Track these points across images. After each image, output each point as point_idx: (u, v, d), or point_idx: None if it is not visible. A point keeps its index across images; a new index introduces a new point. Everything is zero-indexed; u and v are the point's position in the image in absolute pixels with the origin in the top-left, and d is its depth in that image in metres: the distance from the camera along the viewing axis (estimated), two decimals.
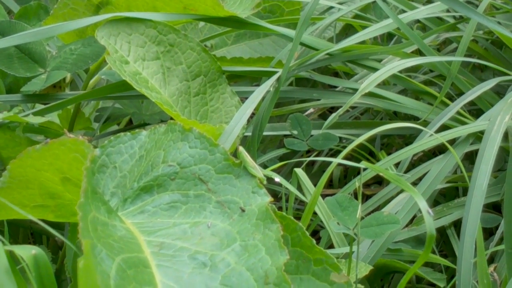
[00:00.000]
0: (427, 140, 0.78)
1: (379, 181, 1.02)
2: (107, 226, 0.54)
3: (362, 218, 0.65)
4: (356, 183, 0.62)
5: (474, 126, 0.79)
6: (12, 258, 0.50)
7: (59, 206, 0.62)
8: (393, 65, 0.80)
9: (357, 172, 0.99)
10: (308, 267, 0.58)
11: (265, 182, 0.58)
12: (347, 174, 1.02)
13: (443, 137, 0.78)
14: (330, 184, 1.03)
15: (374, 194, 0.83)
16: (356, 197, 0.67)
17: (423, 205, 0.52)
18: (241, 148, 0.60)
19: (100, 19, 0.78)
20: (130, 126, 1.00)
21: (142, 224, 0.59)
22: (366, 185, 1.00)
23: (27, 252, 0.49)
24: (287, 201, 0.79)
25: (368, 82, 0.77)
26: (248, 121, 0.86)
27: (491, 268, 0.73)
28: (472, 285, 0.68)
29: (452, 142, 0.82)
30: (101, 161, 0.64)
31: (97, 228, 0.52)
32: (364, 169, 0.73)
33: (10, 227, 0.86)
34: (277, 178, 0.67)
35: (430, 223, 0.50)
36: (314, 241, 0.58)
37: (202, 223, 0.57)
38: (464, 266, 0.65)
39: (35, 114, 0.78)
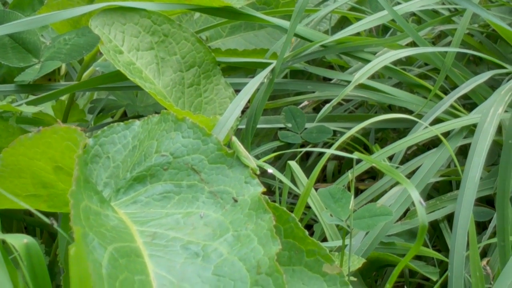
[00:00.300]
0: (421, 133, 0.78)
1: (373, 176, 1.02)
2: (100, 216, 0.54)
3: (355, 210, 0.65)
4: (350, 175, 0.62)
5: (467, 119, 0.79)
6: (4, 248, 0.50)
7: (51, 196, 0.62)
8: (387, 56, 0.80)
9: (351, 166, 0.99)
10: (301, 258, 0.58)
11: (258, 172, 0.58)
12: (341, 168, 1.02)
13: (437, 130, 0.78)
14: (324, 179, 1.03)
15: (367, 188, 0.83)
16: (349, 190, 0.67)
17: (416, 195, 0.52)
18: (234, 138, 0.60)
19: (94, 8, 0.78)
20: (124, 118, 1.00)
21: (135, 214, 0.59)
22: (360, 179, 1.00)
23: (19, 241, 0.49)
24: (280, 195, 0.79)
25: (362, 73, 0.77)
26: (242, 113, 0.85)
27: (484, 262, 0.73)
28: (465, 278, 0.68)
29: (446, 135, 0.82)
30: (94, 151, 0.63)
31: (89, 217, 0.52)
32: (358, 162, 0.73)
33: (3, 220, 0.86)
34: (270, 170, 0.67)
35: (423, 213, 0.50)
36: (307, 232, 0.58)
37: (195, 213, 0.57)
38: (457, 260, 0.65)
39: (28, 103, 0.78)
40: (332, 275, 0.56)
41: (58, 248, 0.78)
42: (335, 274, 0.56)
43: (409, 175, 0.80)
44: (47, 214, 0.74)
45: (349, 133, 0.72)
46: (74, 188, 0.50)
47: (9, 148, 0.58)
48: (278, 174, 0.68)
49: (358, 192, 0.93)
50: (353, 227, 0.62)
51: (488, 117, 0.72)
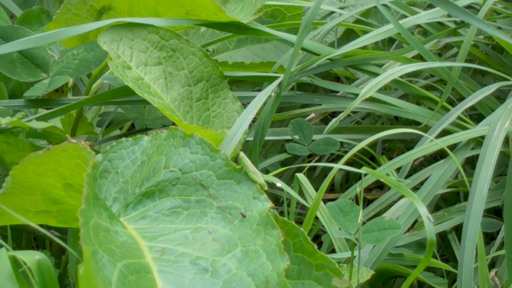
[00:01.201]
0: (428, 145, 0.79)
1: (380, 186, 1.02)
2: (109, 232, 0.54)
3: (364, 223, 0.66)
4: (357, 188, 0.62)
5: (474, 131, 0.80)
6: (15, 263, 0.50)
7: (61, 211, 0.63)
8: (394, 70, 0.80)
9: (358, 176, 1.00)
10: (310, 272, 0.58)
11: (266, 188, 0.58)
12: (349, 178, 1.02)
13: (444, 142, 0.78)
14: (331, 189, 1.03)
15: (375, 199, 0.83)
16: (357, 202, 0.68)
17: (423, 211, 0.52)
18: (242, 154, 0.60)
19: (102, 25, 0.79)
20: (132, 131, 1.01)
21: (144, 229, 0.59)
22: (368, 189, 1.00)
23: (31, 257, 0.50)
24: (288, 205, 0.79)
25: (369, 87, 0.78)
26: (250, 126, 0.86)
27: (492, 273, 0.73)
28: None
29: (453, 147, 0.82)
30: (103, 167, 0.64)
31: (99, 234, 0.52)
32: (365, 175, 0.73)
33: (13, 232, 0.86)
34: (279, 183, 0.67)
35: (431, 228, 0.51)
36: (316, 246, 0.58)
37: (204, 229, 0.58)
38: (465, 271, 0.65)
39: (38, 119, 0.78)
40: None
41: (68, 262, 0.79)
42: None
43: (417, 186, 0.81)
44: (57, 228, 0.74)
45: (356, 148, 0.72)
46: (83, 207, 0.50)
47: (19, 166, 0.59)
48: (287, 188, 0.68)
49: (365, 202, 0.93)
50: (362, 241, 0.63)
51: (495, 131, 0.72)
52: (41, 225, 0.86)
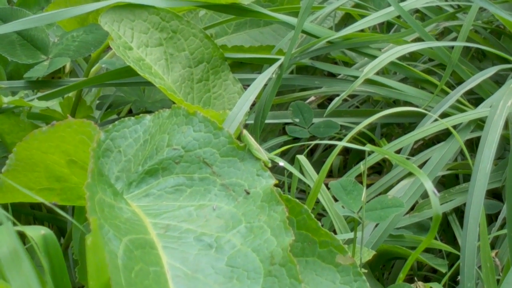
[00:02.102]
0: (429, 126, 0.79)
1: (378, 171, 1.02)
2: (114, 208, 0.54)
3: (367, 202, 0.66)
4: (362, 166, 0.62)
5: (475, 113, 0.80)
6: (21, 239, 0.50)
7: (65, 189, 0.63)
8: (395, 50, 0.81)
9: (356, 161, 1.00)
10: (314, 249, 0.58)
11: (269, 165, 0.59)
12: (347, 164, 1.02)
13: (446, 123, 0.78)
14: (330, 174, 1.03)
15: (374, 183, 0.83)
16: (359, 183, 0.68)
17: (429, 185, 0.52)
18: (245, 131, 0.60)
19: (102, 6, 0.79)
20: (130, 114, 1.00)
21: (148, 207, 0.59)
22: (366, 174, 1.00)
23: (36, 232, 0.50)
24: (289, 190, 0.79)
25: (370, 68, 0.78)
26: (250, 108, 0.86)
27: (493, 254, 0.74)
28: (475, 269, 0.68)
29: (453, 129, 0.82)
30: (105, 146, 0.64)
31: (104, 209, 0.52)
32: (369, 154, 0.73)
33: (12, 214, 0.86)
34: (281, 162, 0.67)
35: (436, 203, 0.51)
36: (320, 224, 0.58)
37: (207, 206, 0.58)
38: (468, 250, 0.66)
39: (39, 99, 0.78)
40: (345, 265, 0.57)
41: (68, 242, 0.79)
42: (348, 265, 0.57)
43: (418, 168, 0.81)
44: (59, 207, 0.74)
45: (359, 126, 0.72)
46: (89, 181, 0.50)
47: (22, 142, 0.58)
48: (289, 167, 0.68)
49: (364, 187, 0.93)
50: (365, 219, 0.63)
51: (498, 109, 0.72)
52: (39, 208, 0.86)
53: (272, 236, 0.53)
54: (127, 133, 0.65)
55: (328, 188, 0.70)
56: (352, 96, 1.02)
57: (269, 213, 0.55)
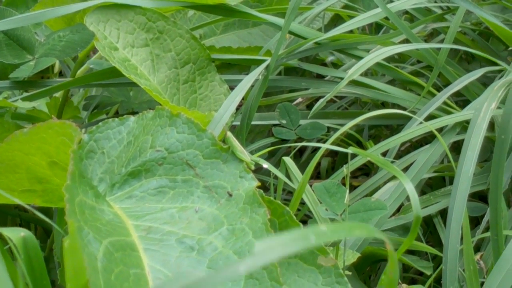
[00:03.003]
0: (415, 129, 0.79)
1: (366, 173, 1.02)
2: (95, 210, 0.54)
3: (350, 205, 0.66)
4: (344, 170, 0.62)
5: (461, 115, 0.80)
6: (1, 241, 0.50)
7: (46, 190, 0.62)
8: (381, 51, 0.80)
9: (344, 163, 1.00)
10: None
11: (253, 167, 0.58)
12: (335, 165, 1.02)
13: (431, 126, 0.78)
14: (318, 176, 1.03)
15: (361, 185, 0.83)
16: (344, 185, 0.68)
17: (410, 187, 0.52)
18: (229, 133, 0.60)
19: (89, 5, 0.78)
20: (118, 115, 1.00)
21: (130, 209, 0.59)
22: (354, 176, 1.00)
23: (16, 234, 0.49)
24: (275, 191, 0.79)
25: (356, 69, 0.78)
26: (237, 110, 0.86)
27: (477, 256, 0.74)
28: (459, 272, 0.68)
29: (439, 131, 0.82)
30: (89, 147, 0.64)
31: (85, 211, 0.52)
32: (352, 158, 0.73)
33: None
34: (265, 164, 0.67)
35: (417, 205, 0.51)
36: (302, 225, 0.58)
37: (190, 208, 0.58)
38: (451, 253, 0.66)
39: (23, 99, 0.78)
40: (327, 267, 0.57)
41: (53, 243, 0.78)
42: (330, 266, 0.57)
43: (403, 171, 0.81)
44: (42, 209, 0.74)
45: (344, 128, 0.72)
46: (69, 183, 0.50)
47: (4, 144, 0.58)
48: (273, 169, 0.68)
49: (351, 188, 0.93)
50: (348, 221, 0.63)
51: (482, 112, 0.72)
52: (25, 209, 0.86)
53: (253, 239, 0.53)
54: (110, 134, 0.65)
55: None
56: (340, 97, 1.02)
57: (251, 216, 0.55)
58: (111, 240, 0.52)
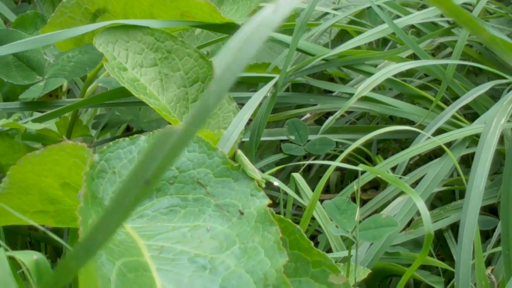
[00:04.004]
0: (424, 143, 0.79)
1: (375, 186, 1.02)
2: None
3: (360, 221, 0.66)
4: (354, 186, 0.62)
5: (470, 129, 0.80)
6: (13, 264, 0.50)
7: (59, 211, 0.63)
8: (389, 69, 0.81)
9: (353, 177, 1.00)
10: (307, 269, 0.58)
11: (263, 185, 0.59)
12: (344, 179, 1.02)
13: (440, 140, 0.78)
14: (327, 190, 1.03)
15: (370, 199, 0.83)
16: (354, 201, 0.68)
17: (421, 205, 0.52)
18: (239, 152, 0.60)
19: (97, 27, 0.79)
20: (127, 133, 1.01)
21: (142, 228, 0.59)
22: (363, 190, 1.00)
23: (29, 257, 0.50)
24: (285, 206, 0.79)
25: (364, 86, 0.78)
26: (246, 126, 0.86)
27: (489, 270, 0.73)
28: (470, 287, 0.68)
29: (448, 145, 0.82)
30: (100, 167, 0.64)
31: None
32: (362, 173, 0.73)
33: (8, 235, 0.86)
34: (276, 182, 0.67)
35: (428, 222, 0.51)
36: (312, 243, 0.58)
37: (201, 227, 0.58)
38: (462, 268, 0.66)
39: (33, 121, 0.78)
40: (338, 285, 0.57)
41: None
42: (341, 285, 0.57)
43: (413, 185, 0.81)
44: (54, 230, 0.74)
45: (353, 146, 0.73)
46: (82, 205, 0.50)
47: (16, 166, 0.58)
48: (284, 187, 0.68)
49: (361, 202, 0.93)
50: (359, 239, 0.63)
51: (491, 127, 0.72)
52: (35, 228, 0.86)
53: (266, 257, 0.54)
54: (121, 153, 0.65)
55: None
56: (348, 112, 1.02)
57: (263, 234, 0.55)
58: (124, 261, 0.52)
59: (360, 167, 0.63)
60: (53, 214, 0.63)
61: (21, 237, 0.89)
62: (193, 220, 0.58)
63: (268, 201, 0.57)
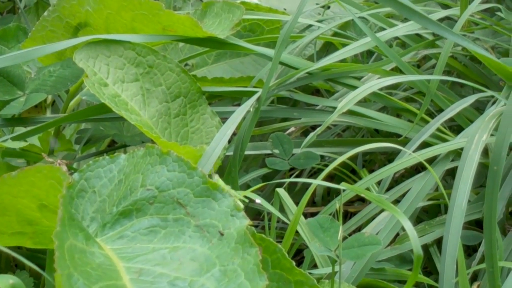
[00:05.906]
0: (408, 158, 0.78)
1: (362, 199, 1.01)
2: (85, 254, 0.54)
3: (345, 238, 0.65)
4: (336, 204, 0.62)
5: (453, 143, 0.80)
6: None
7: (37, 233, 0.62)
8: (372, 84, 0.80)
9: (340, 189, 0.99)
10: None
11: (243, 206, 0.58)
12: (330, 191, 1.02)
13: (423, 155, 0.78)
14: (313, 202, 1.02)
15: (358, 211, 0.83)
16: (338, 217, 0.67)
17: (408, 225, 0.52)
18: (216, 177, 0.60)
19: (78, 42, 0.78)
20: (112, 147, 1.00)
21: (121, 249, 0.58)
22: (350, 202, 0.99)
23: (5, 281, 0.49)
24: (270, 220, 0.78)
25: (347, 101, 0.77)
26: (230, 140, 0.86)
27: (474, 286, 0.73)
28: None
29: (433, 159, 0.82)
30: (80, 186, 0.63)
31: (74, 256, 0.51)
32: (344, 190, 0.73)
33: None
34: (258, 200, 0.67)
35: (416, 243, 0.50)
36: (294, 263, 0.58)
37: (181, 248, 0.57)
38: (446, 286, 0.65)
39: (15, 138, 0.77)
40: None
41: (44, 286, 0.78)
42: None
43: (399, 199, 0.80)
44: (36, 249, 0.73)
45: (337, 161, 0.72)
46: (58, 229, 0.50)
47: None
48: (266, 204, 0.68)
49: (348, 215, 0.93)
50: (342, 257, 0.62)
51: (473, 144, 0.72)
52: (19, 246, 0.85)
53: (246, 280, 0.53)
54: (101, 172, 0.64)
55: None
56: (334, 124, 1.02)
57: (243, 256, 0.54)
58: (102, 285, 0.51)
59: (342, 186, 0.63)
60: (31, 235, 0.62)
61: (5, 254, 0.88)
62: (173, 241, 0.58)
63: (248, 221, 0.56)
